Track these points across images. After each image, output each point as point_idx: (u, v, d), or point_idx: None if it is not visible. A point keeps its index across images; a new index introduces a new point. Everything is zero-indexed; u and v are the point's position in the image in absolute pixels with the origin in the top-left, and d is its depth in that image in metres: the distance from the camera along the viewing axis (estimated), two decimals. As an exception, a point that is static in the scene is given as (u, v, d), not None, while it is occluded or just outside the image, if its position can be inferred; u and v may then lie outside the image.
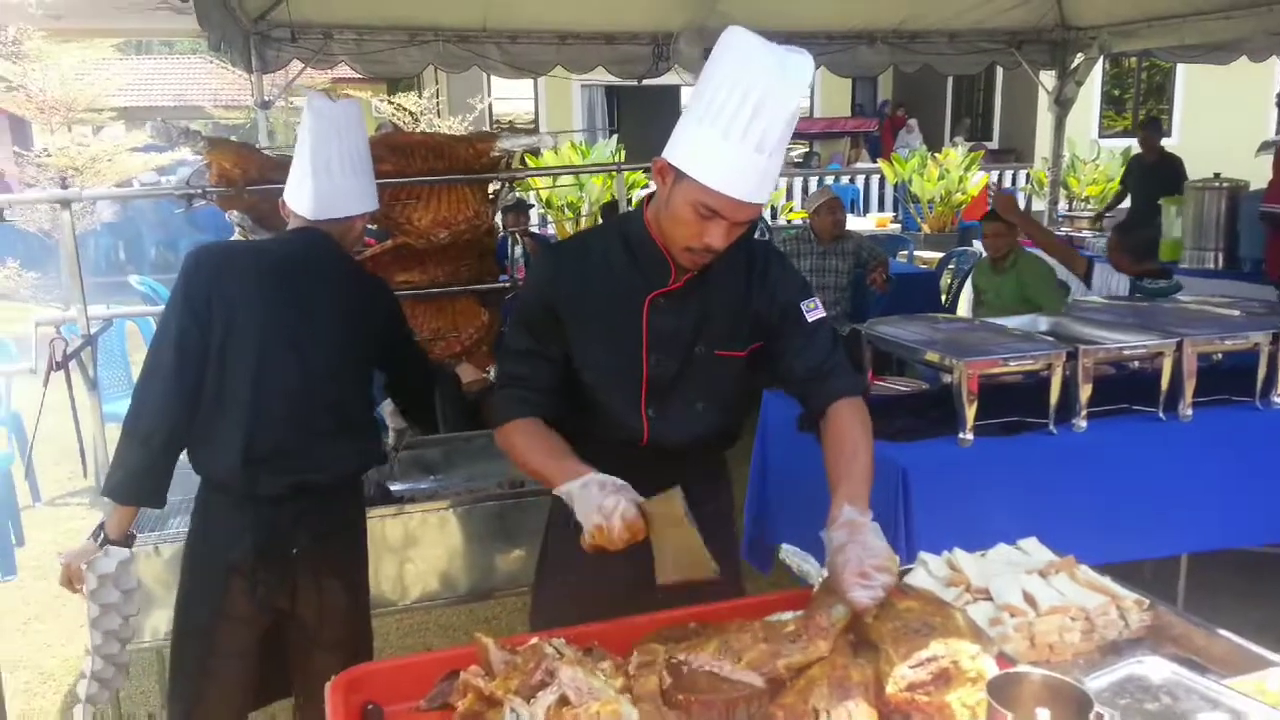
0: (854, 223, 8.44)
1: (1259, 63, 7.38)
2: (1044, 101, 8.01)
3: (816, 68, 1.76)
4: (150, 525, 2.73)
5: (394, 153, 3.06)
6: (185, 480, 2.16)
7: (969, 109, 17.20)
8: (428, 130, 12.10)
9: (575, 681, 1.35)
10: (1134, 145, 8.83)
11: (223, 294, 2.03)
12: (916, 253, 9.77)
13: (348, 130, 2.23)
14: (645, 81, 7.30)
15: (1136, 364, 3.01)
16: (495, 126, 15.11)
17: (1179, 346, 2.85)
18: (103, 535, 2.02)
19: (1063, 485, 2.77)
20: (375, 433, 2.27)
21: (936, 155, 13.13)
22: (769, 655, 1.41)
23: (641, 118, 15.10)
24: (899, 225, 12.58)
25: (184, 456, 2.06)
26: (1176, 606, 1.67)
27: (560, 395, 1.80)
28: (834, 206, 5.65)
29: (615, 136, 12.53)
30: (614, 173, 9.63)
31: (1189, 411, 2.90)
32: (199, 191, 2.82)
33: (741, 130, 1.54)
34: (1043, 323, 3.26)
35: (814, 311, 1.82)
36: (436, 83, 13.93)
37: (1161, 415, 2.90)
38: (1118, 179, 10.74)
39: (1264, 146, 13.05)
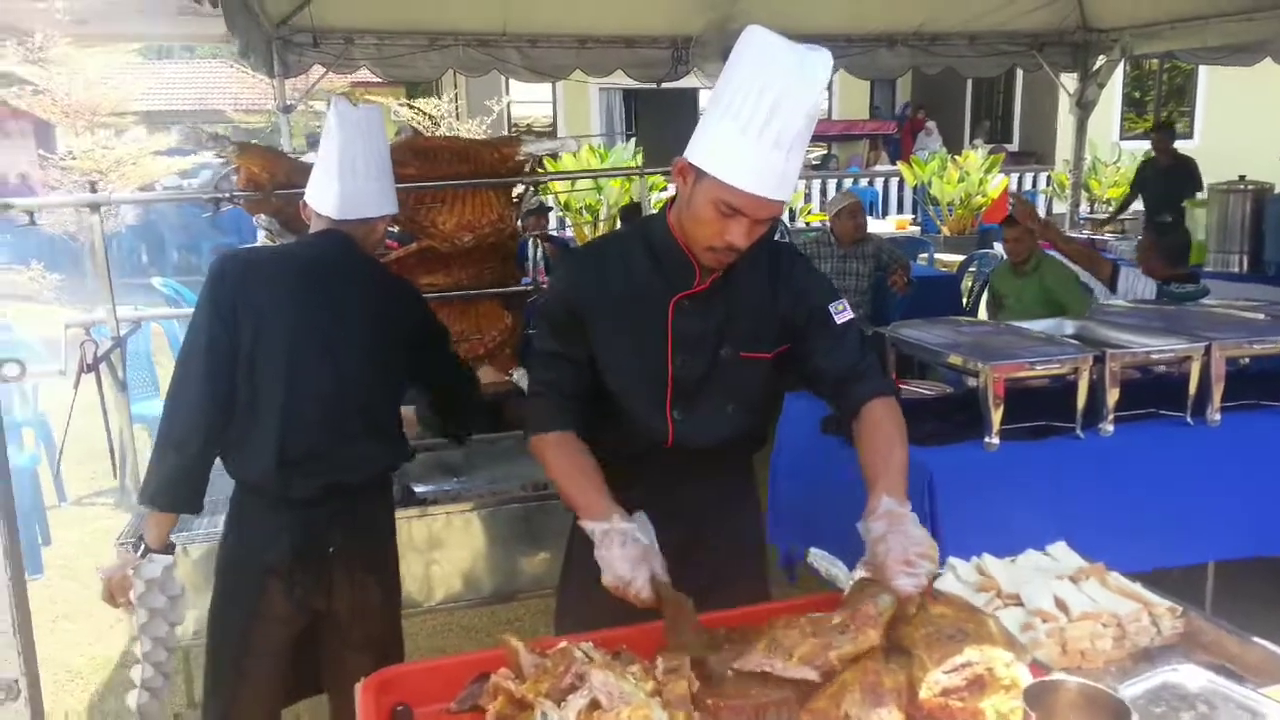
0: (873, 225, 8.40)
1: (1283, 64, 7.31)
2: (1064, 104, 7.98)
3: (835, 70, 1.76)
4: (177, 527, 2.75)
5: (419, 157, 3.08)
6: (211, 483, 2.17)
7: (989, 111, 17.12)
8: (447, 134, 12.16)
9: (606, 685, 1.35)
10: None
11: (249, 300, 2.04)
12: (936, 255, 9.73)
13: (371, 134, 2.24)
14: (663, 85, 7.31)
15: (1163, 368, 2.98)
16: (513, 130, 15.15)
17: (1207, 350, 2.82)
18: (143, 545, 2.02)
19: (1090, 490, 2.75)
20: (403, 433, 2.28)
21: (956, 158, 13.07)
22: (821, 648, 1.40)
23: (659, 121, 15.11)
24: (918, 228, 12.52)
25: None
26: (1207, 613, 1.66)
27: (585, 399, 1.81)
28: (855, 210, 5.63)
29: (633, 140, 12.53)
30: (634, 176, 9.67)
31: (1217, 416, 2.87)
32: (227, 195, 2.84)
33: (760, 127, 1.54)
34: (1068, 326, 3.24)
35: (843, 314, 1.82)
36: (455, 87, 13.98)
37: (1189, 420, 2.88)
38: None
39: (1288, 148, 12.88)
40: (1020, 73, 11.39)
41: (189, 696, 3.28)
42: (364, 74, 7.13)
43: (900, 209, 13.67)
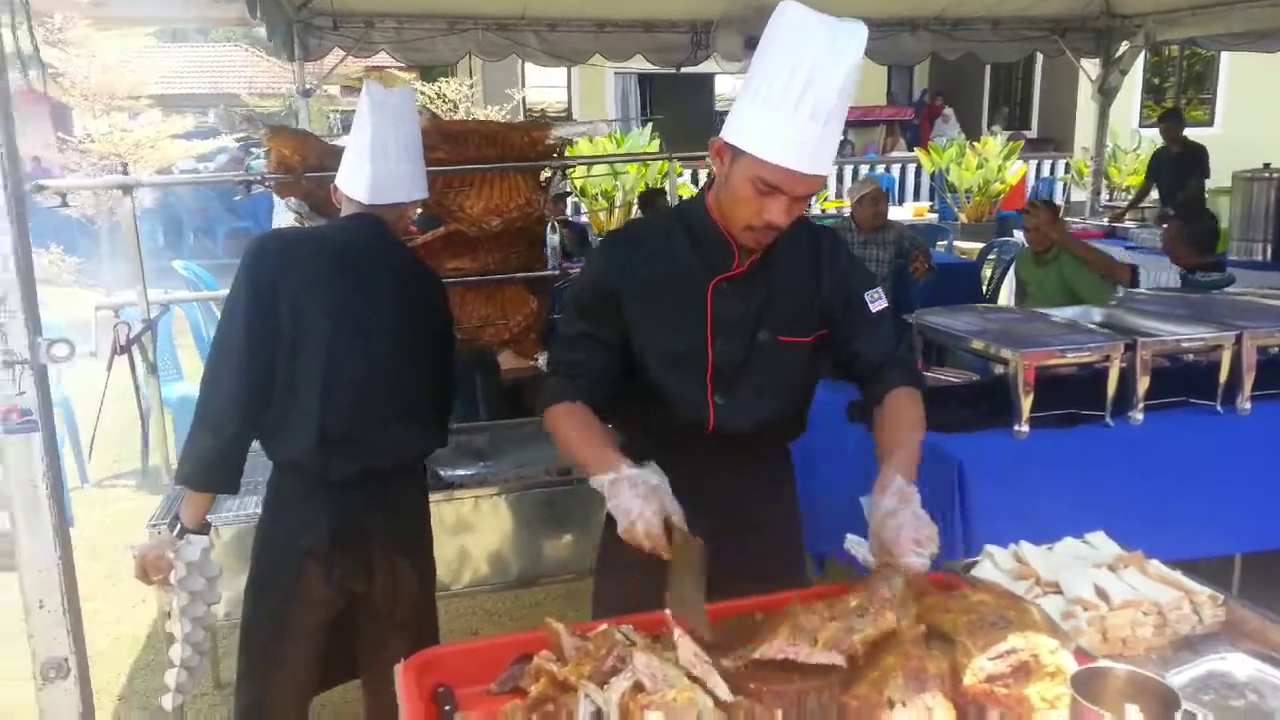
0: (891, 212, 8.37)
1: (1308, 51, 7.23)
2: (1084, 90, 7.91)
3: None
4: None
5: (448, 140, 3.07)
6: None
7: (1007, 98, 16.97)
8: (464, 118, 12.13)
9: (650, 668, 1.36)
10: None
11: (288, 281, 2.04)
12: (955, 243, 9.68)
13: (403, 117, 2.24)
14: (681, 70, 7.28)
15: (1191, 357, 2.97)
16: (528, 115, 15.12)
17: (1238, 339, 2.81)
18: (179, 525, 2.03)
19: (1120, 478, 2.73)
20: (436, 417, 2.28)
21: (975, 144, 12.98)
22: (843, 631, 1.41)
23: (675, 106, 15.06)
24: (936, 215, 12.46)
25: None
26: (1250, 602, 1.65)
27: (612, 382, 1.80)
28: (877, 197, 5.59)
29: (649, 125, 12.49)
30: (649, 162, 9.63)
31: (1248, 405, 2.86)
32: (258, 178, 2.85)
33: (795, 101, 1.54)
34: (1095, 314, 3.23)
35: (877, 302, 1.82)
36: (470, 73, 13.95)
37: (1219, 409, 2.86)
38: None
39: (1311, 136, 12.73)
40: (1040, 59, 11.27)
41: (215, 678, 3.30)
42: (381, 58, 7.09)
43: (917, 196, 13.59)
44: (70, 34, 11.32)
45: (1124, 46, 7.37)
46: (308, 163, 2.85)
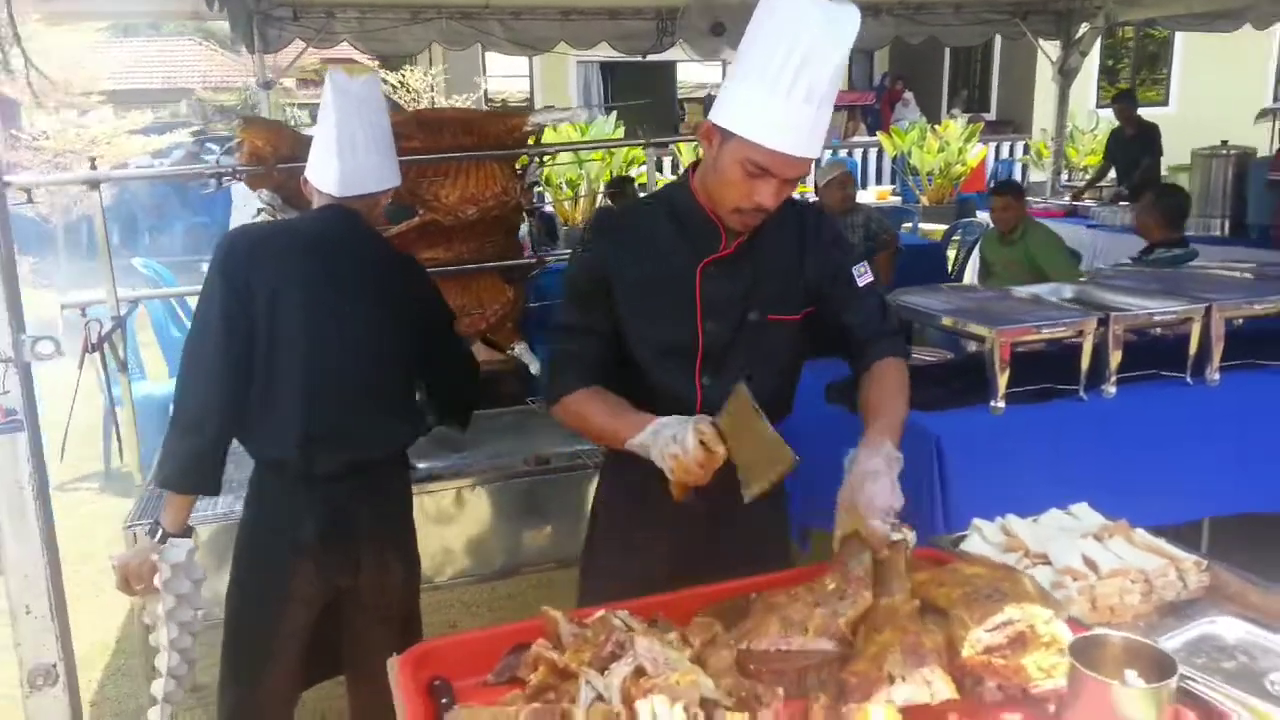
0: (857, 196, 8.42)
1: (1262, 29, 7.36)
2: (1043, 72, 8.01)
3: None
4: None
5: (423, 129, 3.03)
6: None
7: (966, 81, 17.13)
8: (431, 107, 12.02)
9: (651, 652, 1.36)
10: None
11: (261, 276, 2.01)
12: (919, 225, 9.76)
13: (368, 105, 2.20)
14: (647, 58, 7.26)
15: (1160, 330, 3.02)
16: (489, 105, 15.02)
17: (1207, 312, 2.86)
18: (160, 530, 1.99)
19: (1093, 450, 2.78)
20: (418, 407, 2.26)
21: (935, 127, 13.09)
22: (831, 617, 1.43)
23: (637, 94, 15.01)
24: (899, 198, 12.55)
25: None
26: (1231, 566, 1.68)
27: (609, 368, 1.80)
28: (845, 181, 5.63)
29: (613, 114, 12.43)
30: (614, 151, 9.57)
31: (1216, 376, 2.91)
32: (229, 171, 2.80)
33: (789, 83, 1.54)
34: (1066, 291, 3.26)
35: (864, 276, 1.83)
36: (432, 62, 13.81)
37: (1189, 380, 2.91)
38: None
39: (1262, 114, 13.03)
40: (998, 41, 11.37)
41: (190, 681, 3.25)
42: (343, 48, 7.00)
43: (880, 180, 13.69)
44: (20, 29, 11.04)
45: (1084, 28, 7.46)
46: (280, 153, 2.81)
